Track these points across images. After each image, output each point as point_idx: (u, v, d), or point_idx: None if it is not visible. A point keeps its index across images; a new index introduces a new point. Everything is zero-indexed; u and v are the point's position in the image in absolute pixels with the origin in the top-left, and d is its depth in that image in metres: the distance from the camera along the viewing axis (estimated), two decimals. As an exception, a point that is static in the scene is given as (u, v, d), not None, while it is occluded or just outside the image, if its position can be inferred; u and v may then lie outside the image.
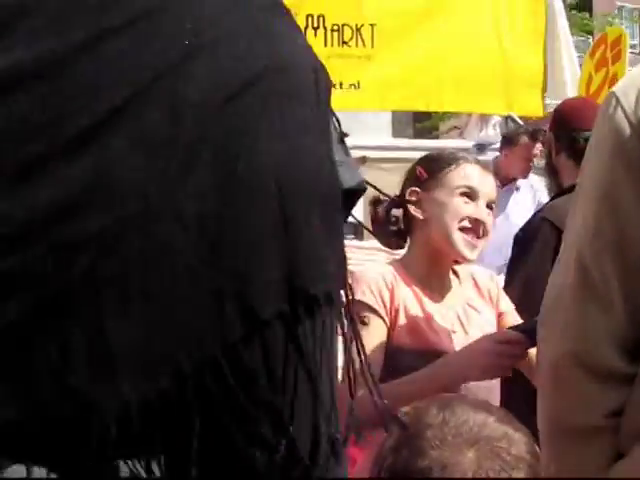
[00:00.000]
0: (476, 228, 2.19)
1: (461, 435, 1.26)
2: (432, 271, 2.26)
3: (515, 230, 3.24)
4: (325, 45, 4.79)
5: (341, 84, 4.87)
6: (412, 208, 2.22)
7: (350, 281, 2.10)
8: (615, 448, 1.38)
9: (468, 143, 6.17)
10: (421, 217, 2.22)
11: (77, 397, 0.63)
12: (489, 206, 2.23)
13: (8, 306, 0.62)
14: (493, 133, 6.46)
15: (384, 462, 1.29)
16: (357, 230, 9.90)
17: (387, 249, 3.61)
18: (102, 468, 0.64)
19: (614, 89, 1.45)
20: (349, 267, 0.77)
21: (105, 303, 0.62)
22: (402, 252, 3.53)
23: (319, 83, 0.73)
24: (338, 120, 0.75)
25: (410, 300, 2.17)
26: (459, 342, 2.18)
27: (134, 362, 0.63)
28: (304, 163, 0.68)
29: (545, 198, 4.19)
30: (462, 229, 2.17)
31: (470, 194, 2.19)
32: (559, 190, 3.19)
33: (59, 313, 0.62)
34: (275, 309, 0.65)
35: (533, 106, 4.96)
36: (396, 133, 15.92)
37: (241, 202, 0.64)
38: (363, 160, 6.75)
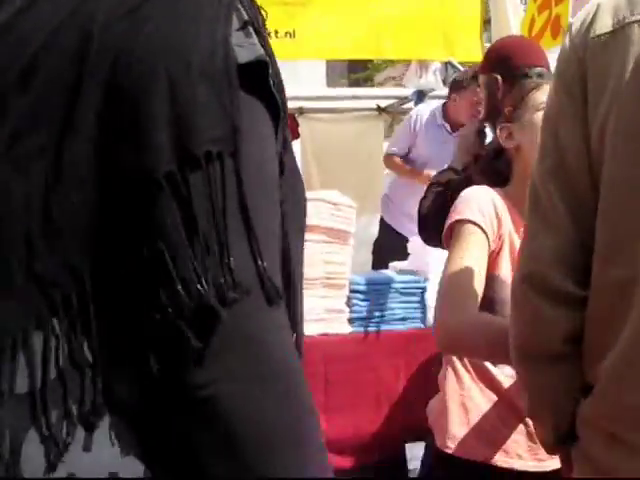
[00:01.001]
0: None
1: None
2: None
3: None
4: (259, -7, 4.65)
5: (276, 32, 4.75)
6: (503, 141, 2.15)
7: (458, 201, 2.02)
8: (581, 375, 1.35)
9: (408, 91, 6.11)
10: (512, 145, 2.15)
11: (41, 276, 0.79)
12: None
13: None
14: (433, 79, 6.39)
15: None
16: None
17: (330, 200, 3.53)
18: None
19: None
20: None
21: (51, 194, 0.79)
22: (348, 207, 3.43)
23: None
24: (252, 11, 0.86)
25: (513, 231, 2.07)
26: None
27: (75, 243, 0.79)
28: (194, 49, 0.80)
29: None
30: None
31: None
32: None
33: (18, 210, 0.79)
34: (165, 169, 0.77)
35: (473, 51, 4.91)
36: (330, 84, 15.82)
37: (137, 88, 0.79)
38: (300, 111, 6.67)
